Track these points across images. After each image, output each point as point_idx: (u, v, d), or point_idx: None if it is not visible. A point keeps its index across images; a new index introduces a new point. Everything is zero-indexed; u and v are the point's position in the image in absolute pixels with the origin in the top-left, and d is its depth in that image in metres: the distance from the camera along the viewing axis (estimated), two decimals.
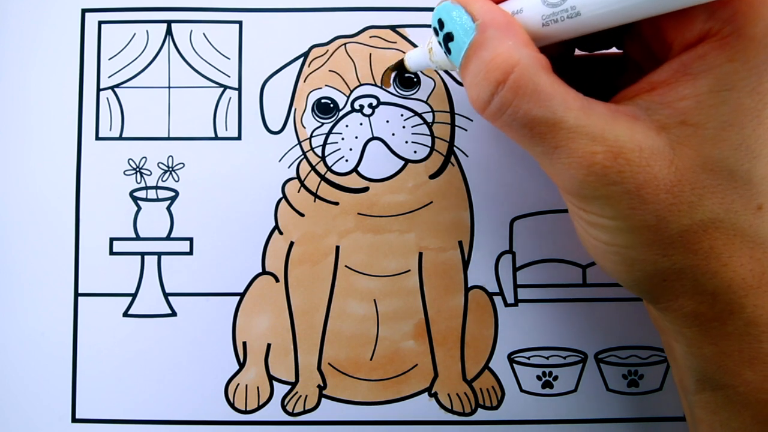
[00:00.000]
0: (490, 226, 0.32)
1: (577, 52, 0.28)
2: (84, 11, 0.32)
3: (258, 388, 0.31)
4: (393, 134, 0.31)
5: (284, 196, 0.32)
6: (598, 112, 0.20)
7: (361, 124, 0.31)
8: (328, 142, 0.32)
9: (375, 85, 0.32)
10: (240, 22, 0.32)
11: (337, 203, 0.32)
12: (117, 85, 0.32)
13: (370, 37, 0.32)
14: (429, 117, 0.32)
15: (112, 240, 0.32)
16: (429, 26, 0.32)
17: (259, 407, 0.31)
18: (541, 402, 0.31)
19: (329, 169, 0.32)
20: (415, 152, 0.31)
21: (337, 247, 0.31)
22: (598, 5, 0.19)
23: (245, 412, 0.31)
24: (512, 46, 0.20)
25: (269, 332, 0.31)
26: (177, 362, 0.31)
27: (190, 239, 0.32)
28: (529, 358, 0.31)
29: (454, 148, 0.32)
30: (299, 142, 0.32)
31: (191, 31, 0.32)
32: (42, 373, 0.31)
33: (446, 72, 0.32)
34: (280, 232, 0.32)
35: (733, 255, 0.20)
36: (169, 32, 0.32)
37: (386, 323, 0.31)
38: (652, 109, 0.20)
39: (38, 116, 0.32)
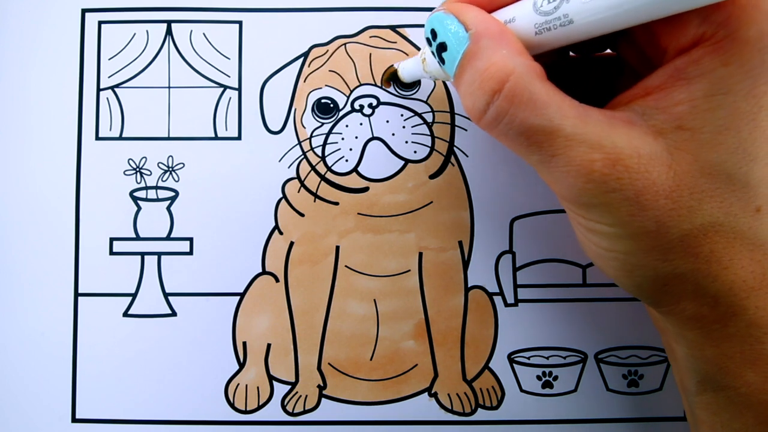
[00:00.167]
0: (490, 226, 0.32)
1: (571, 54, 0.28)
2: (84, 11, 0.32)
3: (258, 388, 0.31)
4: (393, 134, 0.31)
5: (284, 196, 0.32)
6: (595, 119, 0.20)
7: (361, 124, 0.31)
8: (328, 142, 0.32)
9: (375, 85, 0.32)
10: (240, 22, 0.32)
11: (337, 203, 0.32)
12: (117, 85, 0.32)
13: (370, 37, 0.32)
14: (429, 117, 0.32)
15: (112, 240, 0.32)
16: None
17: (259, 407, 0.31)
18: (541, 402, 0.31)
19: (329, 169, 0.32)
20: (415, 152, 0.31)
21: (337, 247, 0.31)
22: (590, 13, 0.19)
23: (245, 412, 0.31)
24: (506, 55, 0.20)
25: (269, 332, 0.31)
26: (177, 362, 0.31)
27: (190, 239, 0.32)
28: (529, 358, 0.31)
29: (454, 148, 0.32)
30: (299, 142, 0.32)
31: (191, 31, 0.32)
32: (42, 373, 0.31)
33: None
34: (280, 232, 0.32)
35: (734, 258, 0.20)
36: (169, 32, 0.32)
37: (386, 323, 0.31)
38: (648, 114, 0.20)
39: (38, 116, 0.32)
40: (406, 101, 0.32)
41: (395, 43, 0.32)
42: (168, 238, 0.32)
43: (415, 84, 0.32)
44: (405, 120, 0.31)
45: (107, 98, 0.32)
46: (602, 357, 0.32)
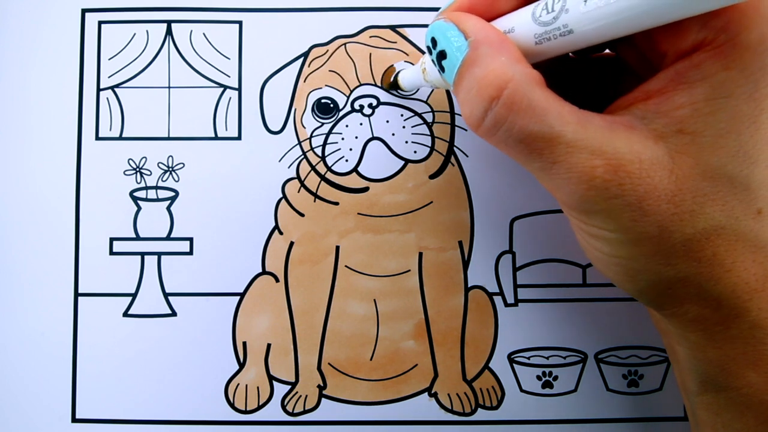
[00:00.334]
0: (490, 226, 0.32)
1: (571, 54, 0.28)
2: (84, 11, 0.32)
3: (258, 388, 0.31)
4: (393, 134, 0.31)
5: (284, 196, 0.32)
6: (596, 125, 0.20)
7: (361, 124, 0.31)
8: (328, 142, 0.32)
9: (375, 85, 0.32)
10: (240, 22, 0.32)
11: (337, 203, 0.32)
12: (117, 85, 0.32)
13: (370, 37, 0.32)
14: (429, 117, 0.32)
15: (112, 240, 0.32)
16: (429, 26, 0.32)
17: (259, 407, 0.31)
18: (541, 402, 0.31)
19: (329, 169, 0.32)
20: (415, 152, 0.31)
21: (337, 247, 0.31)
22: (590, 23, 0.18)
23: (245, 412, 0.31)
24: (505, 63, 0.20)
25: (269, 332, 0.31)
26: (177, 362, 0.31)
27: (190, 239, 0.32)
28: (529, 358, 0.31)
29: (454, 148, 0.32)
30: (299, 142, 0.32)
31: (191, 31, 0.32)
32: (42, 373, 0.31)
33: None
34: (280, 232, 0.32)
35: (736, 260, 0.20)
36: (169, 32, 0.32)
37: (386, 323, 0.31)
38: (648, 118, 0.20)
39: (38, 116, 0.32)
40: (406, 101, 0.32)
41: (395, 43, 0.32)
42: (168, 238, 0.32)
43: None
44: (405, 120, 0.31)
45: (107, 98, 0.32)
46: (602, 357, 0.32)
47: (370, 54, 0.32)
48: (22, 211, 0.32)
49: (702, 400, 0.23)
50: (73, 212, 0.32)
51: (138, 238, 0.32)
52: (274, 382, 0.31)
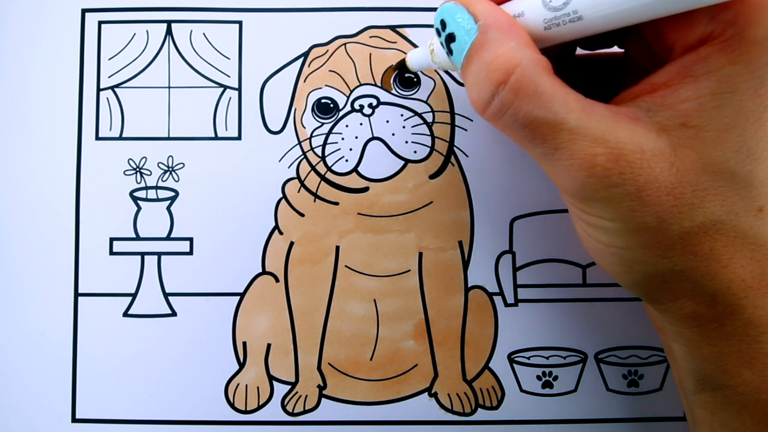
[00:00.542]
0: (490, 226, 0.32)
1: (579, 51, 0.28)
2: (84, 11, 0.32)
3: (258, 388, 0.31)
4: (393, 134, 0.31)
5: (284, 196, 0.32)
6: (600, 114, 0.20)
7: (361, 124, 0.31)
8: (328, 142, 0.32)
9: (375, 85, 0.32)
10: (240, 22, 0.32)
11: (337, 203, 0.32)
12: (117, 85, 0.32)
13: (370, 37, 0.32)
14: (429, 117, 0.32)
15: (112, 240, 0.32)
16: (429, 26, 0.32)
17: (259, 407, 0.31)
18: (541, 402, 0.31)
19: (329, 169, 0.32)
20: (415, 152, 0.31)
21: (337, 247, 0.31)
22: (600, 8, 0.19)
23: (245, 412, 0.31)
24: (514, 47, 0.20)
25: (269, 332, 0.31)
26: (177, 362, 0.31)
27: (190, 239, 0.32)
28: (529, 358, 0.31)
29: (454, 148, 0.32)
30: (299, 142, 0.32)
31: (191, 31, 0.32)
32: (42, 373, 0.31)
33: (446, 72, 0.32)
34: (280, 232, 0.32)
35: (734, 257, 0.20)
36: (169, 32, 0.32)
37: (386, 323, 0.31)
38: (653, 111, 0.20)
39: (38, 116, 0.32)
40: (406, 101, 0.32)
41: (395, 43, 0.32)
42: (168, 238, 0.32)
43: (416, 84, 0.32)
44: (405, 120, 0.31)
45: (107, 98, 0.32)
46: (602, 357, 0.32)
47: (370, 54, 0.32)
48: (22, 211, 0.32)
49: (699, 398, 0.23)
50: (73, 212, 0.32)
51: (138, 238, 0.32)
52: (274, 382, 0.31)
